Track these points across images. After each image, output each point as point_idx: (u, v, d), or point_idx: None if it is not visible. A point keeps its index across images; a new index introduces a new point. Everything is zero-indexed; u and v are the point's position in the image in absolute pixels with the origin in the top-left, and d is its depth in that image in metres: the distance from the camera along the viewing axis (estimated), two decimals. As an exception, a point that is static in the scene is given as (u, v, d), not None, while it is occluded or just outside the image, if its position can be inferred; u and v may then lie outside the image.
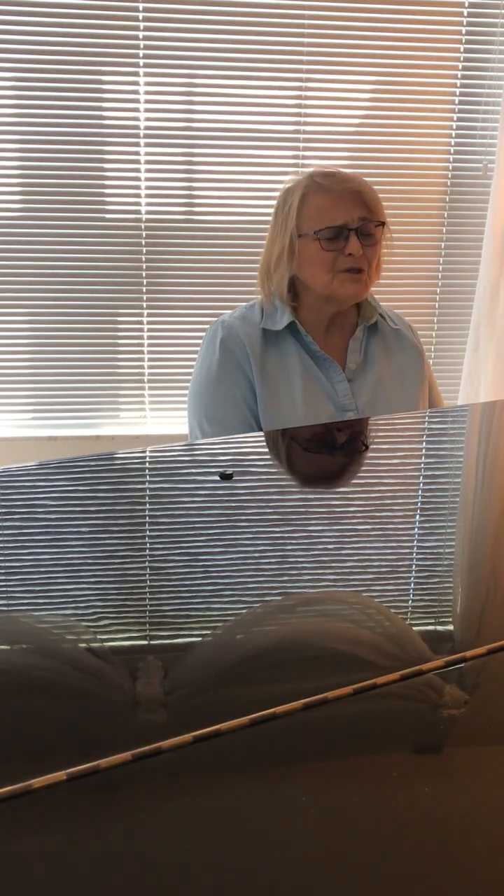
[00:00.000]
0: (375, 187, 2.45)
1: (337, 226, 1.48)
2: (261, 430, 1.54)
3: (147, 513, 1.04)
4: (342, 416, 1.56)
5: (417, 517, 1.08)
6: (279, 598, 0.85)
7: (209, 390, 1.56)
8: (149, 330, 2.53)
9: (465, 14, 2.41)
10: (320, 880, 0.48)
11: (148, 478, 1.20)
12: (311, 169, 1.57)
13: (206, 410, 1.56)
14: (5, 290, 2.42)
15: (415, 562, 0.95)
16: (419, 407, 1.64)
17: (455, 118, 2.50)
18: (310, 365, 1.55)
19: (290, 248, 1.52)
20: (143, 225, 2.43)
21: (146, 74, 2.32)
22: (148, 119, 2.36)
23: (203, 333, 1.64)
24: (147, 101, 2.35)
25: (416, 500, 1.14)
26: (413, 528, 1.04)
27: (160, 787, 0.56)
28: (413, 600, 0.87)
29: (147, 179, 2.41)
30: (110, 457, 1.53)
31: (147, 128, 2.37)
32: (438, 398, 1.75)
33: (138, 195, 2.42)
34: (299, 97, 2.41)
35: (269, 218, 1.58)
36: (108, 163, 2.39)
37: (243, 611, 0.83)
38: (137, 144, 2.38)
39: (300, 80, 2.40)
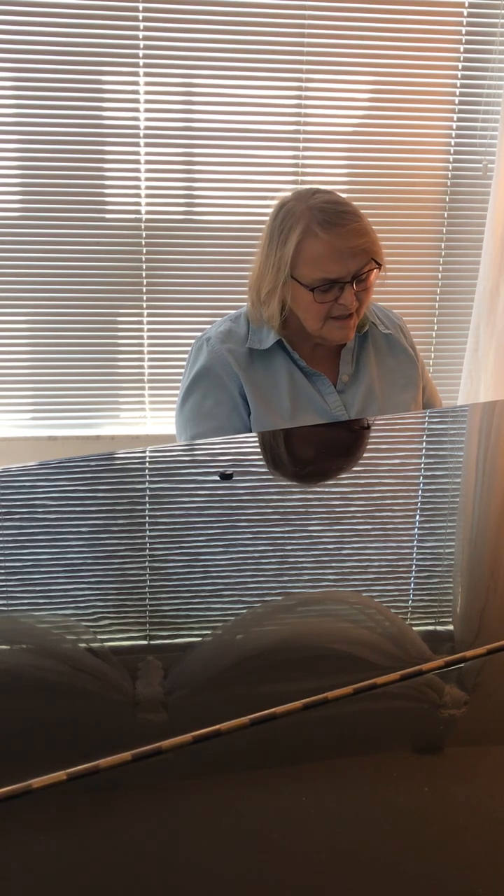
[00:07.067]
0: (375, 188, 2.47)
1: (332, 279, 1.44)
2: None
3: (147, 513, 1.04)
4: None
5: (417, 517, 1.08)
6: (279, 598, 0.85)
7: (192, 411, 1.53)
8: (149, 330, 2.53)
9: (465, 14, 2.41)
10: (320, 880, 0.48)
11: (148, 478, 1.20)
12: (313, 196, 1.47)
13: (193, 434, 1.54)
14: (5, 290, 2.42)
15: (415, 562, 0.95)
16: (412, 406, 1.61)
17: (455, 118, 2.49)
18: (299, 379, 1.53)
19: (283, 288, 1.47)
20: (143, 225, 2.43)
21: (146, 74, 2.32)
22: (148, 119, 2.36)
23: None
24: (147, 101, 2.35)
25: (416, 501, 1.14)
26: (413, 529, 1.04)
27: (160, 787, 0.56)
28: (413, 600, 0.87)
29: (147, 179, 2.41)
30: (110, 457, 1.53)
31: (147, 128, 2.37)
32: (434, 397, 1.72)
33: (138, 195, 2.42)
34: (299, 97, 2.41)
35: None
36: (108, 163, 2.39)
37: (243, 611, 0.83)
38: (137, 144, 2.37)
39: (300, 80, 2.39)
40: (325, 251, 1.43)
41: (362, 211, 1.49)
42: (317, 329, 1.49)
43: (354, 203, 1.51)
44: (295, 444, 1.38)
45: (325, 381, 1.54)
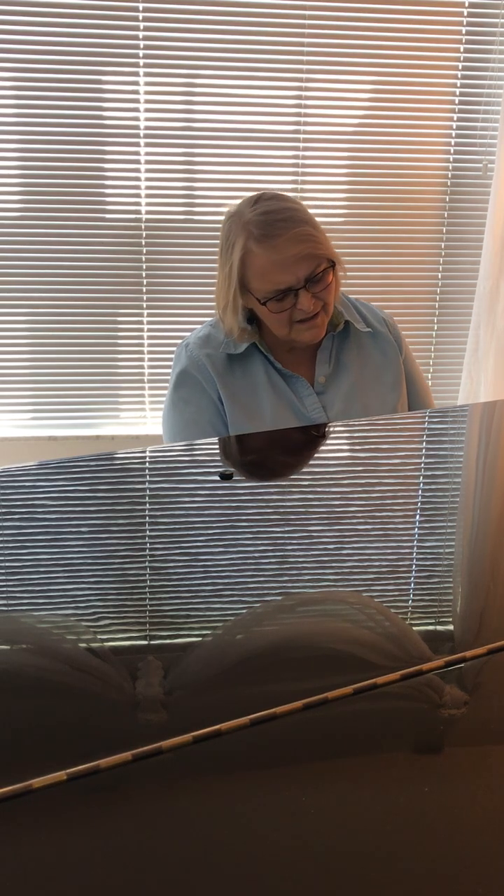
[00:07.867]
0: (375, 188, 2.47)
1: (283, 289, 1.42)
2: None
3: (147, 513, 1.04)
4: None
5: (417, 517, 1.08)
6: (279, 598, 0.85)
7: (175, 419, 1.55)
8: (149, 330, 2.53)
9: (465, 14, 2.41)
10: (320, 880, 0.48)
11: (148, 478, 1.20)
12: (252, 207, 1.44)
13: (174, 439, 1.55)
14: (5, 290, 2.42)
15: (415, 562, 0.95)
16: (398, 406, 1.59)
17: (455, 118, 2.49)
18: (277, 381, 1.52)
19: (234, 301, 1.46)
20: (143, 225, 2.43)
21: (146, 74, 2.32)
22: (148, 119, 2.36)
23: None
24: (147, 101, 2.35)
25: (416, 501, 1.14)
26: (413, 528, 1.04)
27: (160, 787, 0.56)
28: (413, 600, 0.87)
29: (147, 179, 2.41)
30: (110, 457, 1.53)
31: (147, 128, 2.37)
32: (423, 389, 1.68)
33: (138, 195, 2.42)
34: (299, 97, 2.41)
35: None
36: (108, 163, 2.39)
37: (243, 611, 0.83)
38: (137, 144, 2.37)
39: (300, 80, 2.39)
40: (266, 265, 1.41)
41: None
42: (285, 335, 1.48)
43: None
44: (294, 445, 1.38)
45: (304, 383, 1.53)
